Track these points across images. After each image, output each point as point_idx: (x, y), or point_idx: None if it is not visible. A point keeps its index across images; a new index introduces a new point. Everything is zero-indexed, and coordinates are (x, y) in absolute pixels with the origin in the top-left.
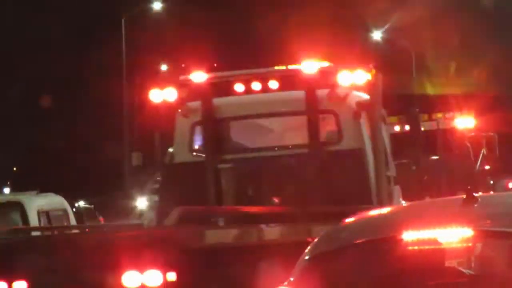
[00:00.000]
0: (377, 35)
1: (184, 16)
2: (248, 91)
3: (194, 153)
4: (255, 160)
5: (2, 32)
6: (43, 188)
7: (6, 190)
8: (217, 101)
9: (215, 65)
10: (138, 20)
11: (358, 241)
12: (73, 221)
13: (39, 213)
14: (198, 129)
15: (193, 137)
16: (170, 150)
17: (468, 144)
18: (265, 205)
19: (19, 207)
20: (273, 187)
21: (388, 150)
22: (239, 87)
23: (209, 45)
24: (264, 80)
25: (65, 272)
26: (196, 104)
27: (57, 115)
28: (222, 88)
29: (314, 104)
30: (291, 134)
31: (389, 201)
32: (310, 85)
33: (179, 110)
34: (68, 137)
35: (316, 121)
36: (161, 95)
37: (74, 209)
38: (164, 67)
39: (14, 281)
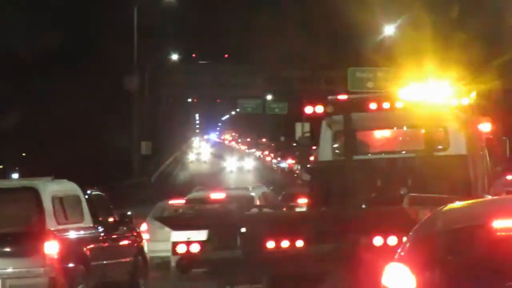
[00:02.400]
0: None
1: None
2: (379, 108)
3: (336, 155)
4: (382, 160)
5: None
6: (53, 175)
7: (15, 176)
8: (354, 115)
9: (226, 56)
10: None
11: (456, 227)
12: (85, 208)
13: (53, 199)
14: (339, 137)
15: (335, 142)
16: (316, 151)
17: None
18: (388, 194)
19: (34, 193)
20: (397, 181)
21: (485, 154)
22: (373, 105)
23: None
24: (392, 101)
25: (332, 235)
26: (338, 117)
27: (65, 101)
28: (359, 105)
29: (431, 120)
30: (409, 142)
31: (483, 195)
32: (427, 105)
33: (324, 121)
34: (76, 125)
35: (431, 133)
36: (312, 109)
37: (86, 196)
38: (174, 56)
39: (295, 240)
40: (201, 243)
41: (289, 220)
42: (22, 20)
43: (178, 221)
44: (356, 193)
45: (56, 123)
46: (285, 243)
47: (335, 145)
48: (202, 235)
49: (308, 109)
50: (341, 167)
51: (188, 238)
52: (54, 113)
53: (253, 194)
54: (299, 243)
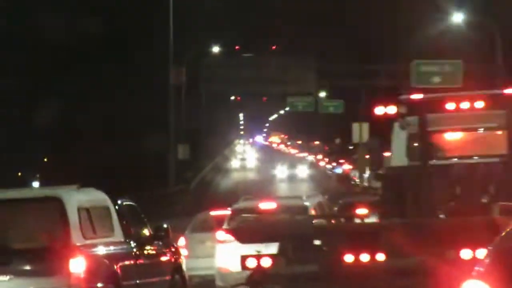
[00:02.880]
0: None
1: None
2: (457, 109)
3: (410, 160)
4: (461, 165)
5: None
6: (80, 182)
7: (35, 184)
8: (430, 116)
9: (274, 48)
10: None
11: None
12: (116, 220)
13: (79, 210)
14: (414, 140)
15: (409, 146)
16: (388, 155)
17: None
18: (469, 202)
19: (58, 203)
20: (478, 188)
21: None
22: (450, 106)
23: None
24: (472, 100)
25: (415, 248)
26: (412, 118)
27: (94, 99)
28: (435, 105)
29: None
30: (491, 145)
31: None
32: (510, 106)
33: (397, 123)
34: (104, 125)
35: None
36: (384, 109)
37: (116, 207)
38: (216, 48)
39: (375, 253)
40: (273, 257)
41: (369, 231)
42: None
43: (246, 233)
44: (432, 201)
45: (86, 121)
46: (364, 257)
47: (409, 149)
48: (273, 248)
49: (379, 110)
50: (416, 173)
51: (258, 252)
52: (83, 109)
53: (307, 203)
54: (380, 257)
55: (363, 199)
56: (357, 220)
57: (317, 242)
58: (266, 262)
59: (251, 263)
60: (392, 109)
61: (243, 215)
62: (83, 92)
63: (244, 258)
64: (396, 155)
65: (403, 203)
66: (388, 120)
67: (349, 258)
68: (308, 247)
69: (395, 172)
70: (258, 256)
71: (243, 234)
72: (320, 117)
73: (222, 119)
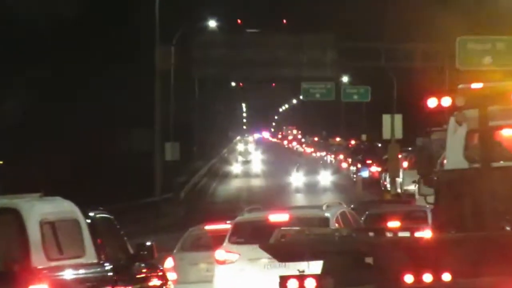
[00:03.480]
0: None
1: None
2: None
3: (469, 160)
4: None
5: None
6: (43, 190)
7: None
8: (493, 109)
9: (285, 23)
10: None
11: None
12: (87, 237)
13: (41, 224)
14: (472, 137)
15: (468, 144)
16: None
17: None
18: None
19: (15, 216)
20: None
21: None
22: None
23: None
24: None
25: (487, 266)
26: (471, 112)
27: (64, 90)
28: (500, 96)
29: None
30: None
31: None
32: None
33: (453, 117)
34: (76, 119)
35: None
36: (437, 101)
37: (88, 220)
38: (212, 23)
39: (440, 273)
40: (317, 277)
41: (431, 246)
42: None
43: (285, 250)
44: (496, 210)
45: (53, 116)
46: (427, 277)
47: (468, 149)
48: (317, 267)
49: (432, 102)
50: (476, 177)
51: (300, 271)
52: (54, 100)
53: (327, 214)
54: (445, 277)
55: (395, 209)
56: (388, 234)
57: (369, 260)
58: (311, 284)
59: (293, 285)
60: (446, 101)
61: (283, 228)
62: (50, 83)
63: (284, 280)
64: (452, 155)
65: (462, 213)
66: (442, 114)
67: (409, 278)
68: (359, 265)
69: (451, 177)
70: (301, 277)
71: (284, 250)
72: (342, 107)
73: (220, 111)
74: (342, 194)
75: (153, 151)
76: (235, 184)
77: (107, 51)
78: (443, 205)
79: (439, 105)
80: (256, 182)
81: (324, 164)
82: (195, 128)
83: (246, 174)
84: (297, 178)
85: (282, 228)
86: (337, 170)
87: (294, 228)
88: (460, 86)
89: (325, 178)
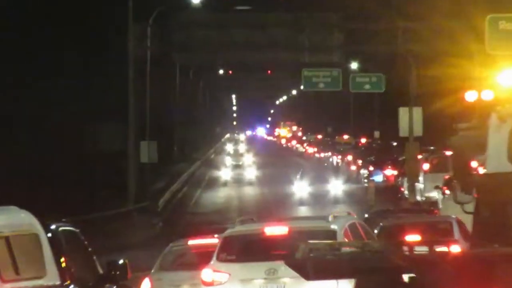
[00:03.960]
0: None
1: None
2: None
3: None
4: None
5: None
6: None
7: None
8: None
9: None
10: None
11: None
12: (48, 254)
13: None
14: None
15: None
16: (482, 156)
17: None
18: None
19: None
20: None
21: None
22: None
23: None
24: None
25: None
26: None
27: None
28: None
29: None
30: None
31: None
32: None
33: (495, 113)
34: (36, 114)
35: None
36: (477, 95)
37: (50, 234)
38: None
39: None
40: None
41: (482, 262)
42: None
43: (314, 267)
44: None
45: (8, 110)
46: None
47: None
48: (348, 285)
49: (471, 96)
50: None
51: None
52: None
53: (334, 226)
54: None
55: (415, 220)
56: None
57: (406, 278)
58: None
59: None
60: (487, 94)
61: (310, 241)
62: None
63: None
64: (495, 157)
65: (507, 224)
66: (482, 110)
67: None
68: (397, 284)
69: (493, 181)
70: None
71: (315, 267)
72: (351, 99)
73: (205, 104)
74: (355, 205)
75: (126, 152)
76: (224, 192)
77: (72, 33)
78: (484, 215)
79: (479, 99)
80: (250, 191)
81: (331, 167)
82: (177, 124)
83: (238, 181)
84: (300, 188)
85: (309, 241)
86: (349, 177)
87: (324, 241)
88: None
89: (336, 187)
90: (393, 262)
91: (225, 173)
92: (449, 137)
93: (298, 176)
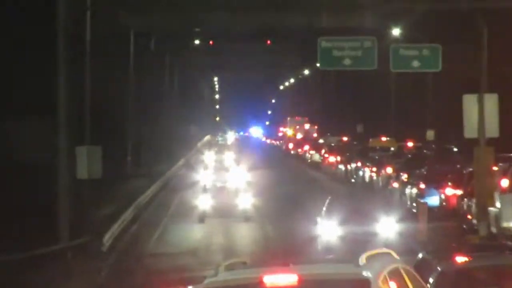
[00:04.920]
0: None
1: None
2: None
3: None
4: None
5: None
6: None
7: None
8: None
9: None
10: None
11: None
12: None
13: None
14: None
15: None
16: None
17: None
18: None
19: None
20: None
21: None
22: None
23: None
24: None
25: None
26: None
27: None
28: None
29: None
30: None
31: None
32: None
33: None
34: None
35: None
36: None
37: None
38: None
39: None
40: None
41: None
42: None
43: None
44: None
45: None
46: None
47: None
48: None
49: None
50: None
51: None
52: None
53: (367, 274)
54: None
55: (489, 262)
56: None
57: None
58: None
59: None
60: None
61: None
62: None
63: None
64: None
65: None
66: None
67: None
68: None
69: None
70: None
71: None
72: (392, 83)
73: (173, 91)
74: (398, 240)
75: (54, 163)
76: (201, 226)
77: None
78: None
79: None
80: (242, 230)
81: (361, 185)
82: (130, 122)
83: (222, 213)
84: (327, 229)
85: None
86: (406, 214)
87: None
88: None
89: (387, 227)
90: None
91: (203, 200)
92: None
93: (323, 209)
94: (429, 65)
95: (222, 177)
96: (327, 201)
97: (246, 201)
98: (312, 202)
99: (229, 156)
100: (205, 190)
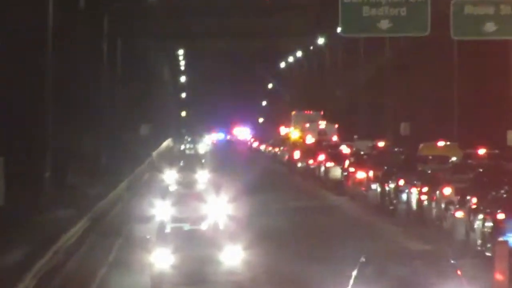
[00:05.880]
0: None
1: None
2: None
3: None
4: None
5: None
6: None
7: None
8: None
9: None
10: None
11: None
12: None
13: None
14: None
15: None
16: None
17: None
18: None
19: None
20: None
21: None
22: None
23: None
24: None
25: None
26: None
27: None
28: None
29: None
30: None
31: None
32: None
33: None
34: None
35: None
36: None
37: None
38: None
39: None
40: None
41: None
42: None
43: None
44: None
45: None
46: None
47: None
48: None
49: None
50: None
51: None
52: None
53: None
54: None
55: None
56: None
57: None
58: None
59: None
60: None
61: None
62: None
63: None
64: None
65: None
66: None
67: None
68: None
69: None
70: None
71: None
72: (454, 59)
73: (114, 73)
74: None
75: None
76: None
77: None
78: None
79: None
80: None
81: (405, 213)
82: (49, 121)
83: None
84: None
85: None
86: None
87: None
88: None
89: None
90: None
91: (159, 257)
92: None
93: (354, 274)
94: (508, 31)
95: (188, 213)
96: (358, 266)
97: (230, 261)
98: (341, 261)
99: (200, 176)
100: (163, 238)
